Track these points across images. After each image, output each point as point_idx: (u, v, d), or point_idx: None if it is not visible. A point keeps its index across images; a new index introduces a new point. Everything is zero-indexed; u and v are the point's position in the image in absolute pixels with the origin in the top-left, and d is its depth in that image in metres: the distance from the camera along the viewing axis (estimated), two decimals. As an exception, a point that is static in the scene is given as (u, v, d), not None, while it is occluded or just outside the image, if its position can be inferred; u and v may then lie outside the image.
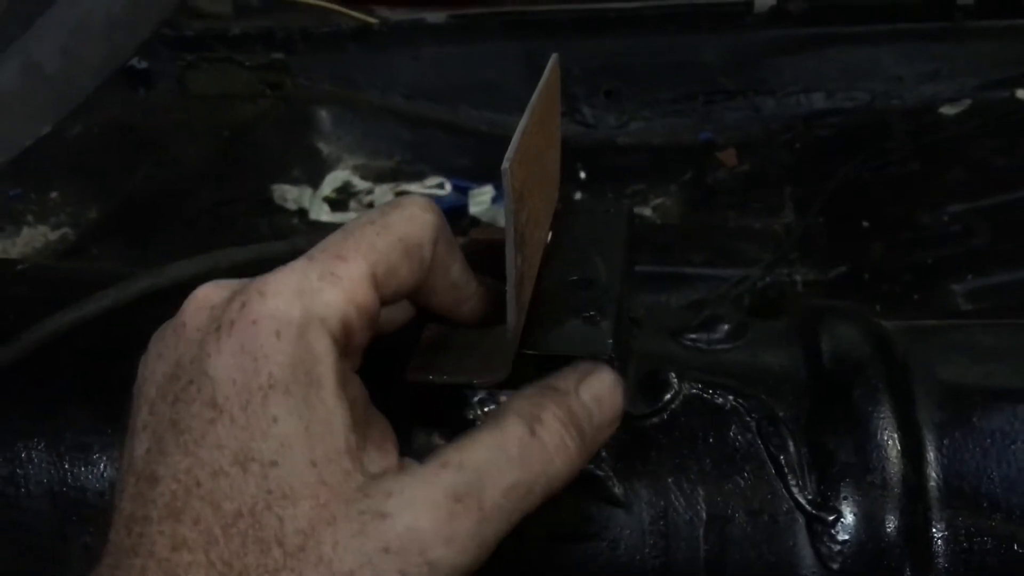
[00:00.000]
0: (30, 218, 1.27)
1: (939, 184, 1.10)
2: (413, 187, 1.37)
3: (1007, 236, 0.98)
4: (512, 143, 0.33)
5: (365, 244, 0.32)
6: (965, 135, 1.18)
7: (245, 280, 0.32)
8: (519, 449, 0.31)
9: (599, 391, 0.34)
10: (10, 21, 0.42)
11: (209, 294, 0.32)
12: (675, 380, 0.40)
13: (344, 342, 0.31)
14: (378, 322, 0.33)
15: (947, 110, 1.25)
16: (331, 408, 0.30)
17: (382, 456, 0.32)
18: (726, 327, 0.43)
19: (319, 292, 0.31)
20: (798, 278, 1.03)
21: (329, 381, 0.30)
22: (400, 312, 0.38)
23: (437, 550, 0.29)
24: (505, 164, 0.32)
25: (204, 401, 0.29)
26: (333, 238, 0.33)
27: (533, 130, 0.36)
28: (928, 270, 0.96)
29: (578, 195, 1.35)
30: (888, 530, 0.37)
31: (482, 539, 0.30)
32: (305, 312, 0.30)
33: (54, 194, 1.32)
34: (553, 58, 0.42)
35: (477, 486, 0.30)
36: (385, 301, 0.33)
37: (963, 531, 0.37)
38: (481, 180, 1.32)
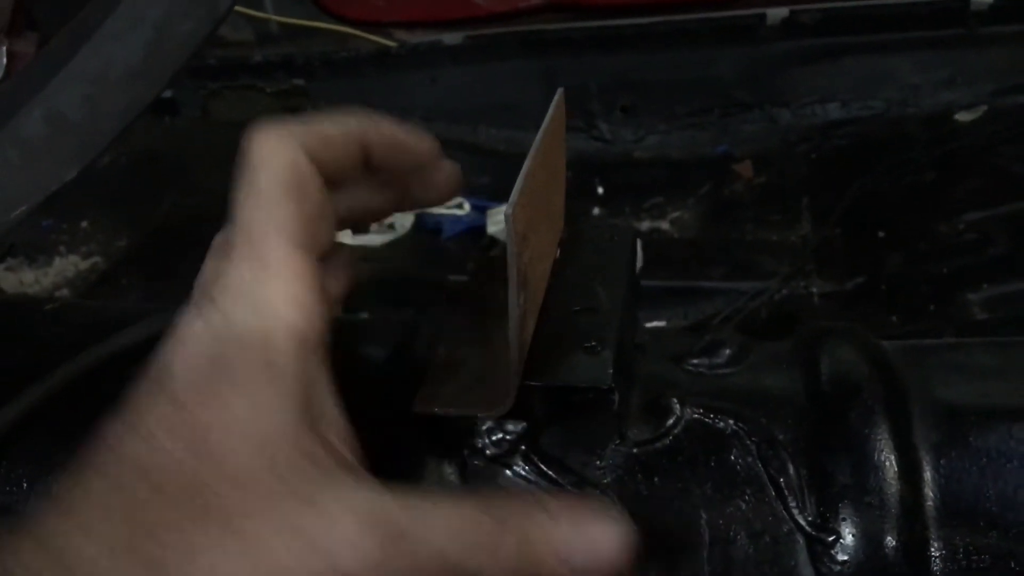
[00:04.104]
0: (62, 248, 1.30)
1: (956, 192, 1.10)
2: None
3: (1024, 244, 0.99)
4: (516, 187, 0.34)
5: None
6: (982, 142, 1.18)
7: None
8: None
9: None
10: (34, 72, 0.45)
11: None
12: (677, 406, 0.41)
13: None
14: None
15: (963, 117, 1.25)
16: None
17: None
18: (728, 351, 0.44)
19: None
20: (815, 290, 1.04)
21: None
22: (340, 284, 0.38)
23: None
24: (508, 209, 0.33)
25: None
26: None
27: (537, 171, 0.37)
28: (944, 280, 0.96)
29: (596, 210, 1.36)
30: (887, 549, 0.37)
31: None
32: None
33: (84, 223, 1.35)
34: (559, 93, 0.43)
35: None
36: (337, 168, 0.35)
37: (961, 549, 0.37)
38: (500, 199, 1.33)
